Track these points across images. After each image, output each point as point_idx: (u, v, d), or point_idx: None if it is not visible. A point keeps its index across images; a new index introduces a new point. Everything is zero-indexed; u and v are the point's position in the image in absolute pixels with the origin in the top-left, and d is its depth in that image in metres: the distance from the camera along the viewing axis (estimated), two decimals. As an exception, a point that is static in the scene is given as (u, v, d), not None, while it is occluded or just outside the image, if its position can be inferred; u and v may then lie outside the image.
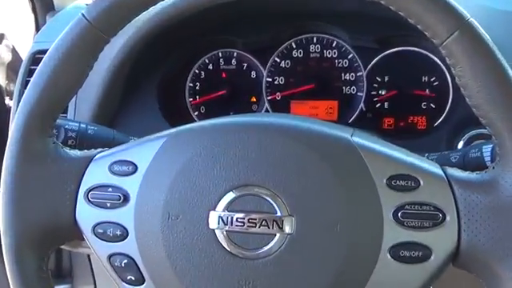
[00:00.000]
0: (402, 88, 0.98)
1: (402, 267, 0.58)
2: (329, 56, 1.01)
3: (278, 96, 1.02)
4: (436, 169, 0.60)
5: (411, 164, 0.60)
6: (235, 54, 1.03)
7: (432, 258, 0.58)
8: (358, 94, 0.99)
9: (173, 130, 0.64)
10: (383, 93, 0.99)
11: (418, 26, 0.59)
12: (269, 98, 1.02)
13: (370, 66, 0.99)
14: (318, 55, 1.01)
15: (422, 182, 0.59)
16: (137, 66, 0.95)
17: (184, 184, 0.61)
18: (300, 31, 1.01)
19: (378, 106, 0.99)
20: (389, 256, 0.58)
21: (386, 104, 0.99)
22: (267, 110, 1.02)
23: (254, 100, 1.03)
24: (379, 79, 0.99)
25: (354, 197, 0.58)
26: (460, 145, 0.86)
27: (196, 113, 1.05)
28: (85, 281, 1.19)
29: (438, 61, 0.96)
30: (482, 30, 0.58)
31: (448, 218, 0.58)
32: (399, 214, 0.58)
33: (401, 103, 0.98)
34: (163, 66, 1.01)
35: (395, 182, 0.59)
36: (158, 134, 0.65)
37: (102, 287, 1.17)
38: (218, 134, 0.62)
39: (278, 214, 0.59)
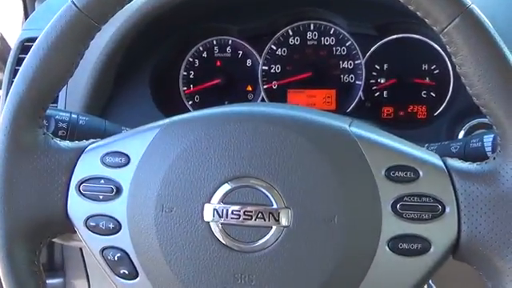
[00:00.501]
0: (402, 76, 0.96)
1: (401, 260, 0.57)
2: (326, 43, 0.99)
3: (275, 85, 1.00)
4: (436, 160, 0.59)
5: (410, 155, 0.58)
6: (230, 42, 1.01)
7: (431, 250, 0.57)
8: (357, 82, 0.98)
9: (166, 121, 0.63)
10: (382, 81, 0.97)
11: (418, 13, 0.58)
12: (265, 86, 1.00)
13: (368, 53, 0.97)
14: (316, 43, 0.99)
15: (421, 174, 0.57)
16: (129, 54, 0.93)
17: (178, 176, 0.59)
18: (297, 18, 0.99)
19: (377, 94, 0.97)
20: (387, 248, 0.57)
21: (385, 93, 0.97)
22: (263, 99, 1.00)
23: (250, 89, 1.01)
24: (378, 67, 0.97)
25: (352, 188, 0.57)
26: (461, 134, 0.85)
27: (190, 102, 1.03)
28: (77, 274, 1.18)
29: (439, 48, 0.94)
30: (483, 17, 0.56)
31: (448, 209, 0.57)
32: (398, 206, 0.57)
33: (400, 92, 0.97)
34: (156, 55, 0.99)
35: (394, 174, 0.57)
36: (151, 125, 0.63)
37: (94, 281, 1.16)
38: (212, 124, 0.60)
39: (275, 206, 0.57)
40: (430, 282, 0.77)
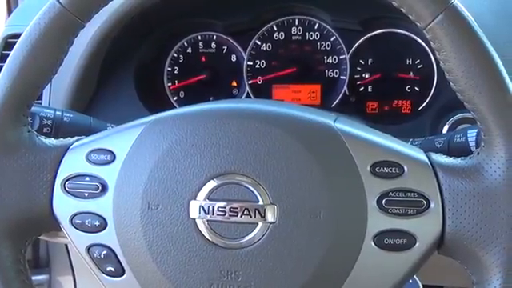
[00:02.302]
0: (386, 71, 0.97)
1: (387, 255, 0.57)
2: (311, 38, 0.99)
3: (260, 80, 1.00)
4: (420, 155, 0.59)
5: (395, 150, 0.59)
6: (215, 37, 1.01)
7: (416, 245, 0.57)
8: (341, 77, 0.98)
9: (151, 118, 0.62)
10: (367, 76, 0.97)
11: (402, 9, 0.58)
12: (250, 82, 1.00)
13: (353, 48, 0.97)
14: (300, 38, 0.99)
15: (406, 169, 0.58)
16: (113, 50, 0.93)
17: (163, 173, 0.59)
18: (282, 13, 0.99)
19: (361, 89, 0.98)
20: (373, 244, 0.57)
21: (369, 88, 0.98)
22: (248, 95, 1.00)
23: (235, 84, 1.01)
24: (363, 62, 0.97)
25: (337, 184, 0.57)
26: (445, 129, 0.85)
27: (175, 98, 1.03)
28: (63, 271, 1.17)
29: (423, 43, 0.95)
30: (467, 13, 0.57)
31: (432, 204, 0.57)
32: (383, 202, 0.57)
33: (385, 87, 0.97)
34: (140, 50, 0.98)
35: (379, 169, 0.58)
36: (136, 122, 0.63)
37: (80, 277, 1.15)
38: (197, 121, 0.60)
39: (260, 202, 0.57)
40: (415, 276, 0.77)
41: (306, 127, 0.59)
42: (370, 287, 0.58)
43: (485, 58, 0.56)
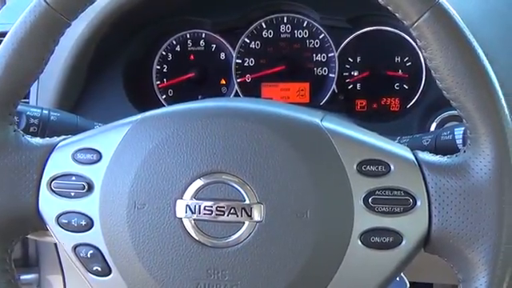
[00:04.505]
0: (375, 69, 0.97)
1: (373, 253, 0.57)
2: (300, 36, 0.99)
3: (248, 78, 1.00)
4: (407, 153, 0.59)
5: (382, 149, 0.59)
6: (204, 35, 1.01)
7: (403, 243, 0.57)
8: (330, 75, 0.98)
9: (138, 117, 0.62)
10: (355, 74, 0.97)
11: (389, 7, 0.58)
12: (238, 80, 1.00)
13: (341, 46, 0.97)
14: (289, 35, 0.99)
15: (392, 167, 0.58)
16: (101, 48, 0.92)
17: (150, 172, 0.59)
18: (270, 11, 0.99)
19: (350, 87, 0.98)
20: (359, 242, 0.57)
21: (358, 85, 0.98)
22: (237, 93, 1.00)
23: (224, 82, 1.01)
24: (351, 60, 0.97)
25: (324, 183, 0.57)
26: (433, 127, 0.85)
27: (164, 96, 1.02)
28: (52, 270, 1.17)
29: (412, 41, 0.95)
30: (453, 12, 0.57)
31: (419, 202, 0.57)
32: (370, 200, 0.57)
33: (373, 84, 0.97)
34: (128, 49, 0.98)
35: (365, 168, 0.58)
36: (123, 121, 0.63)
37: (69, 276, 1.15)
38: (184, 120, 0.60)
39: (247, 201, 0.57)
40: (402, 274, 0.77)
41: (293, 126, 0.59)
42: (357, 285, 0.58)
43: (471, 56, 0.56)
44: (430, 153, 0.61)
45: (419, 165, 0.58)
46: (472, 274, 0.56)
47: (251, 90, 1.00)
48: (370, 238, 0.57)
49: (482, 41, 0.80)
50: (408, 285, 0.78)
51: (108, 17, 0.89)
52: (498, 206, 0.55)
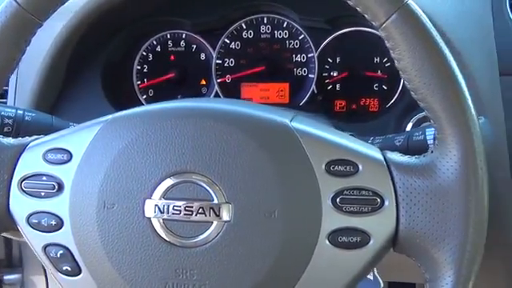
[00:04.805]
0: (354, 69, 0.97)
1: (341, 253, 0.57)
2: (279, 37, 0.99)
3: (228, 78, 1.00)
4: (375, 153, 0.60)
5: (350, 149, 0.59)
6: (184, 36, 1.01)
7: (371, 243, 0.57)
8: (310, 75, 0.98)
9: (109, 117, 0.63)
10: (335, 74, 0.98)
11: (358, 8, 0.59)
12: (218, 80, 1.00)
13: (321, 47, 0.98)
14: (269, 36, 0.99)
15: (360, 167, 0.58)
16: (79, 49, 0.92)
17: (119, 172, 0.59)
18: (250, 11, 0.99)
19: (329, 87, 0.98)
20: (327, 242, 0.57)
21: (337, 86, 0.98)
22: (217, 93, 1.00)
23: (204, 83, 1.01)
24: (331, 60, 0.98)
25: (292, 183, 0.58)
26: (409, 127, 0.86)
27: (144, 96, 1.02)
28: (35, 271, 1.17)
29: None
30: (421, 13, 0.57)
31: (387, 202, 0.57)
32: (338, 200, 0.57)
33: (352, 85, 0.97)
34: (108, 49, 0.98)
35: (334, 168, 0.58)
36: (94, 121, 0.63)
37: (52, 277, 1.15)
38: (154, 120, 0.60)
39: (215, 201, 0.57)
40: (376, 273, 0.78)
41: (262, 126, 0.59)
42: (325, 285, 0.58)
43: (438, 56, 0.56)
44: (403, 153, 0.61)
45: (388, 165, 0.59)
46: (438, 273, 0.56)
47: (231, 91, 1.00)
48: (337, 237, 0.57)
49: (458, 41, 0.82)
50: (382, 285, 0.78)
51: (86, 17, 0.89)
52: (464, 206, 0.56)
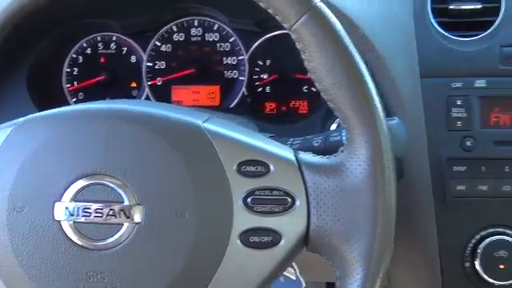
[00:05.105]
0: (284, 72, 0.97)
1: (252, 253, 0.58)
2: (210, 40, 0.99)
3: (159, 81, 1.00)
4: (287, 154, 0.60)
5: (262, 149, 0.60)
6: (114, 38, 1.00)
7: (282, 242, 0.58)
8: (240, 78, 0.98)
9: (21, 119, 0.62)
10: (265, 77, 0.98)
11: (269, 10, 0.59)
12: (149, 83, 1.00)
13: (251, 49, 0.98)
14: (200, 39, 0.99)
15: (272, 168, 0.59)
16: (4, 49, 0.90)
17: (29, 174, 0.59)
18: (181, 14, 0.99)
19: (259, 90, 0.98)
20: (239, 242, 0.58)
21: (267, 88, 0.98)
22: (148, 96, 0.99)
23: (135, 85, 1.00)
24: (261, 63, 0.98)
25: (203, 184, 0.58)
26: (333, 127, 0.87)
27: (74, 99, 1.01)
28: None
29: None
30: (330, 14, 0.58)
31: (298, 202, 0.58)
32: (249, 200, 0.58)
33: (282, 87, 0.98)
34: (35, 51, 0.96)
35: (245, 168, 0.58)
36: (6, 124, 0.62)
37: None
38: (66, 121, 0.60)
39: (126, 203, 0.57)
40: (298, 274, 0.78)
41: (174, 127, 0.59)
42: (237, 285, 0.59)
43: (347, 58, 0.57)
44: (321, 154, 0.62)
45: (299, 165, 0.59)
46: (347, 270, 0.57)
47: (162, 93, 0.99)
48: (249, 237, 0.58)
49: (381, 45, 0.83)
50: (304, 285, 0.79)
51: (10, 17, 0.87)
52: (372, 205, 0.57)
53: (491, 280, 0.79)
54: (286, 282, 0.71)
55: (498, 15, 0.84)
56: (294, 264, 0.78)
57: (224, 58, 0.99)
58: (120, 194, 0.57)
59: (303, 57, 0.59)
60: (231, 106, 0.98)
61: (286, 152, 0.60)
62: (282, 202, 0.58)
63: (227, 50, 0.99)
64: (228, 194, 0.58)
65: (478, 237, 0.80)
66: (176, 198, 0.57)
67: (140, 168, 0.58)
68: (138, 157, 0.58)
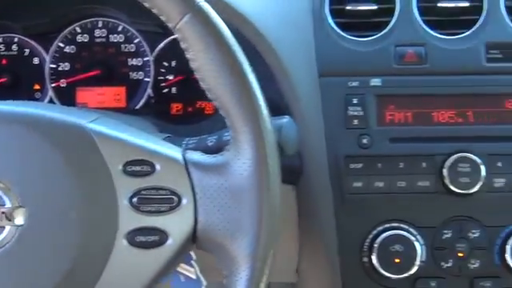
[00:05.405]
0: (190, 73, 0.97)
1: (139, 252, 0.58)
2: (115, 41, 0.99)
3: (63, 83, 0.98)
4: (174, 153, 0.60)
5: (148, 149, 0.60)
6: (16, 40, 0.98)
7: (169, 241, 0.58)
8: (146, 79, 0.98)
9: None
10: (171, 78, 0.98)
11: (154, 11, 0.59)
12: (53, 85, 0.98)
13: (156, 50, 0.98)
14: (104, 40, 0.98)
15: (158, 167, 0.59)
16: None
17: None
18: (84, 15, 0.98)
19: (165, 91, 0.98)
20: (125, 242, 0.57)
21: (173, 89, 0.98)
22: (51, 99, 0.98)
23: (38, 88, 0.98)
24: (167, 64, 0.98)
25: (88, 185, 0.58)
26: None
27: (-25, 103, 0.98)
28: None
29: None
30: (214, 14, 0.59)
31: (184, 201, 0.58)
32: (135, 200, 0.58)
33: (188, 88, 0.98)
34: None
35: (130, 168, 0.58)
36: None
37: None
38: None
39: (8, 205, 0.56)
40: (199, 272, 0.79)
41: (56, 128, 0.59)
42: (124, 285, 0.58)
43: (230, 57, 0.58)
44: (214, 153, 0.62)
45: (186, 164, 0.60)
46: (233, 268, 0.58)
47: (66, 95, 0.98)
48: (135, 237, 0.58)
49: (278, 44, 0.84)
50: (205, 283, 0.79)
51: None
52: (256, 204, 0.57)
53: (387, 274, 0.81)
54: (186, 281, 0.71)
55: (392, 16, 0.87)
56: (193, 263, 0.78)
57: (129, 60, 0.98)
58: (1, 197, 0.56)
59: (187, 56, 0.59)
60: (137, 107, 0.98)
61: (173, 151, 0.61)
62: (168, 201, 0.58)
63: (132, 51, 0.98)
64: (113, 194, 0.58)
65: (374, 232, 0.83)
66: (60, 200, 0.57)
67: (22, 169, 0.57)
68: (20, 158, 0.57)
